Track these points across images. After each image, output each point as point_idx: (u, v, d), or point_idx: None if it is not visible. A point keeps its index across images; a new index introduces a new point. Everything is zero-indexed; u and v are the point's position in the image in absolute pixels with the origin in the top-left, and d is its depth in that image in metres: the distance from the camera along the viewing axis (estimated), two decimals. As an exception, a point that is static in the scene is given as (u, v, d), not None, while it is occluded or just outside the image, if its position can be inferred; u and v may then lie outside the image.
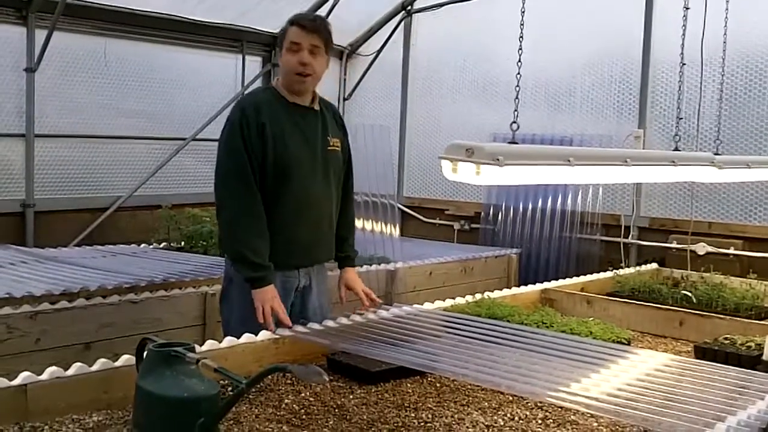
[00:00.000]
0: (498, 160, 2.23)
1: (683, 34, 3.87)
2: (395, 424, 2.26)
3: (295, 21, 3.06)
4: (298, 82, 3.06)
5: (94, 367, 2.32)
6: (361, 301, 3.30)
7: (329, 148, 3.17)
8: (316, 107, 3.17)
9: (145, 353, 2.00)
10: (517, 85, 2.75)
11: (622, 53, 6.63)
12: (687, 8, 3.87)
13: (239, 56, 7.65)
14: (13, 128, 6.09)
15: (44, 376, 2.21)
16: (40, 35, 5.97)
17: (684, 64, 3.91)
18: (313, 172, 3.12)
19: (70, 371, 2.27)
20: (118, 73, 6.70)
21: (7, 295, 3.74)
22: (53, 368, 2.24)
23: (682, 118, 4.12)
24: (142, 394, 1.91)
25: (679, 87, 3.98)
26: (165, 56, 7.10)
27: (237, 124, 3.01)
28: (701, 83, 4.67)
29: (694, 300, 3.83)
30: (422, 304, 3.48)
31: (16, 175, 6.13)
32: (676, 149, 3.85)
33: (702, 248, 5.94)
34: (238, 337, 2.71)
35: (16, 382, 2.16)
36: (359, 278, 3.37)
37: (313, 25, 3.05)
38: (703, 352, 3.02)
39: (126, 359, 2.35)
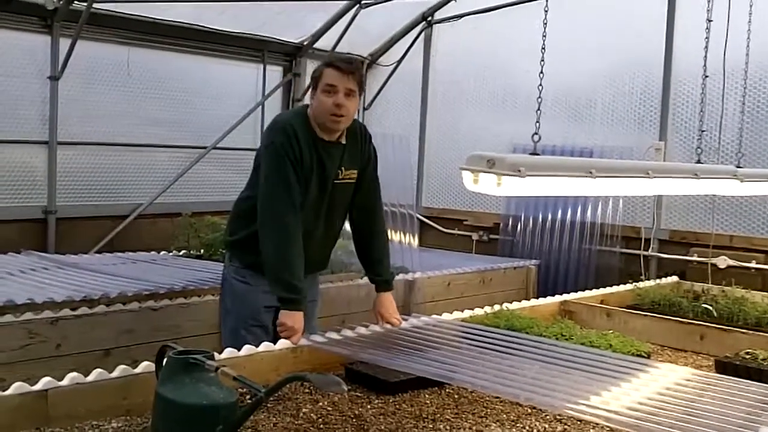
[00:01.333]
0: (519, 171, 2.23)
1: (706, 46, 3.86)
2: (413, 435, 2.26)
3: (332, 63, 3.09)
4: (331, 122, 3.08)
5: (114, 374, 2.33)
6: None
7: (337, 181, 3.19)
8: (343, 141, 3.19)
9: (164, 360, 2.01)
10: (539, 96, 2.75)
11: (643, 65, 6.60)
12: (710, 20, 3.86)
13: (260, 66, 7.69)
14: (36, 135, 6.15)
15: (64, 382, 2.23)
16: (65, 44, 6.02)
17: (706, 76, 3.90)
18: (319, 204, 3.17)
19: (90, 377, 2.29)
20: (140, 81, 6.75)
21: (28, 301, 3.77)
22: (73, 374, 2.26)
23: (704, 131, 4.10)
24: (161, 400, 1.92)
25: (701, 99, 3.96)
26: (187, 65, 7.15)
27: (279, 146, 3.03)
28: (723, 95, 4.65)
29: (715, 314, 3.80)
30: (440, 315, 3.48)
31: (38, 182, 6.19)
32: (699, 162, 3.83)
33: (723, 261, 5.89)
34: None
35: (37, 387, 2.18)
36: (393, 304, 3.32)
37: (349, 68, 3.07)
38: (724, 367, 3.00)
39: (145, 366, 2.36)
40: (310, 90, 3.19)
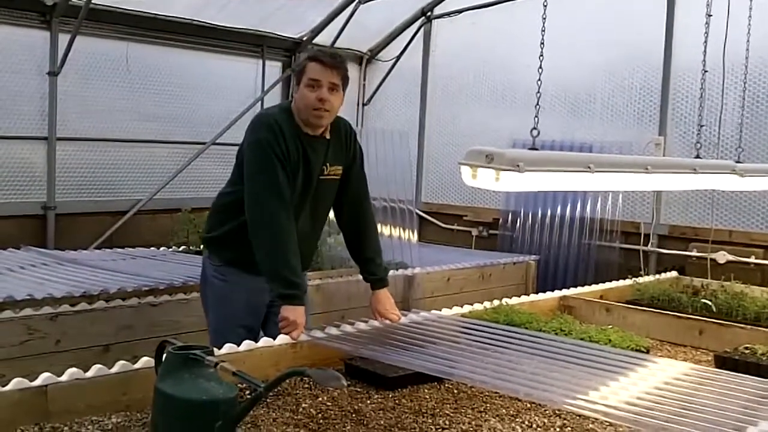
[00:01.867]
0: (518, 166, 2.22)
1: (705, 41, 3.85)
2: (412, 430, 2.26)
3: (315, 57, 3.06)
4: (314, 117, 3.06)
5: (114, 369, 2.33)
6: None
7: (321, 177, 3.16)
8: (327, 136, 3.16)
9: (164, 356, 2.01)
10: (538, 91, 2.74)
11: (643, 60, 6.59)
12: (710, 15, 3.85)
13: (259, 61, 7.68)
14: (35, 131, 6.14)
15: (64, 378, 2.23)
16: (63, 39, 6.01)
17: (706, 71, 3.89)
18: (304, 200, 3.14)
19: (90, 373, 2.29)
20: (139, 77, 6.74)
21: (28, 297, 3.77)
22: (73, 370, 2.26)
23: (703, 126, 4.09)
24: (160, 396, 1.92)
25: (701, 94, 3.96)
26: (186, 61, 7.14)
27: (266, 142, 3.01)
28: (723, 90, 4.64)
29: (714, 309, 3.80)
30: (440, 310, 3.48)
31: (38, 178, 6.19)
32: (698, 157, 3.83)
33: (722, 257, 5.89)
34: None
35: (37, 383, 2.18)
36: (389, 300, 3.28)
37: (333, 62, 3.04)
38: (723, 362, 3.00)
39: (145, 361, 2.36)
40: (293, 83, 3.15)
